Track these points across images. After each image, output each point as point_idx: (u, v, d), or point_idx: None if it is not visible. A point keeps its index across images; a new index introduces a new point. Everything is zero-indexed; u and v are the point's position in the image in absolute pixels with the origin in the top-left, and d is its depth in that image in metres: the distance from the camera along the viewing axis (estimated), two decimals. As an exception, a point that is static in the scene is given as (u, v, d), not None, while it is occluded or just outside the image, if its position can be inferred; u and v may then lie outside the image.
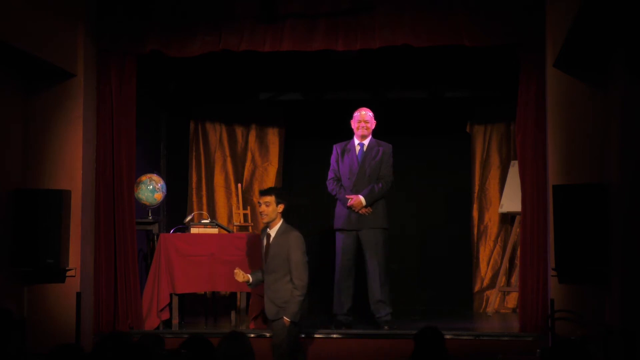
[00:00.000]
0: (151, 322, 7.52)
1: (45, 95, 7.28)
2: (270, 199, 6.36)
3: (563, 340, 4.41)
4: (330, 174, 7.79)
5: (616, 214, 6.27)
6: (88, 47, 7.37)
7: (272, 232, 6.43)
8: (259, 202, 6.44)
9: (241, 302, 7.82)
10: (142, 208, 8.06)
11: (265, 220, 6.40)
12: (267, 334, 7.11)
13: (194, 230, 7.79)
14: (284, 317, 6.35)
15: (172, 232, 8.05)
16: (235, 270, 6.54)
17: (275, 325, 6.39)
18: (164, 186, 8.17)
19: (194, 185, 9.81)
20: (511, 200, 8.58)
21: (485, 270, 9.35)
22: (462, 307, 9.26)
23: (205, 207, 9.59)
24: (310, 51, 7.40)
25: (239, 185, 8.78)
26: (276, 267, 6.38)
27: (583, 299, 6.70)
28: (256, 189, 9.73)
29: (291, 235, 6.41)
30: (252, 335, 6.98)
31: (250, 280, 6.56)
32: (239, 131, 9.88)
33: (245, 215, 8.34)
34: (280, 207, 6.42)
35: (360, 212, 7.57)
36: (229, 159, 9.83)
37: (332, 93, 9.60)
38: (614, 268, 6.32)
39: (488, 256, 9.38)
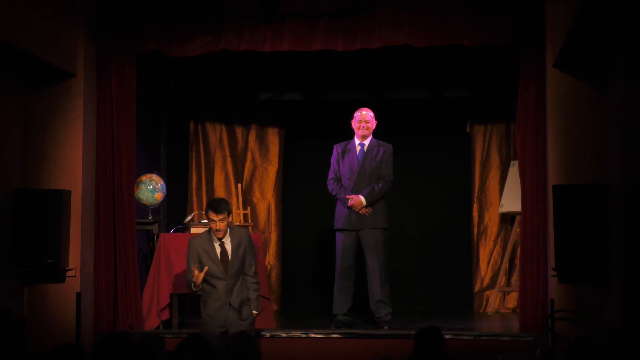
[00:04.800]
0: (151, 322, 7.52)
1: (45, 95, 7.28)
2: (224, 215, 6.43)
3: (578, 342, 4.39)
4: (331, 174, 7.79)
5: (616, 214, 6.26)
6: (88, 47, 7.37)
7: (226, 238, 6.48)
8: (212, 220, 6.42)
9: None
10: (142, 208, 8.06)
11: (220, 236, 6.44)
12: (267, 334, 7.14)
13: (194, 230, 7.77)
14: (254, 312, 6.48)
15: (172, 232, 8.05)
16: (196, 273, 6.34)
17: (245, 323, 6.41)
18: (164, 186, 8.17)
19: (194, 185, 9.81)
20: (511, 200, 8.58)
21: (485, 270, 9.35)
22: (462, 307, 9.26)
23: (205, 207, 9.56)
24: (310, 51, 7.41)
25: (239, 185, 8.77)
26: (237, 271, 6.47)
27: (583, 299, 6.70)
28: (256, 188, 9.75)
29: (244, 233, 6.55)
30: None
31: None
32: (239, 131, 9.88)
33: (245, 216, 8.34)
34: (230, 218, 6.55)
35: (360, 212, 7.57)
36: (229, 159, 9.83)
37: (332, 93, 9.58)
38: (614, 268, 6.32)
39: (488, 256, 9.37)
